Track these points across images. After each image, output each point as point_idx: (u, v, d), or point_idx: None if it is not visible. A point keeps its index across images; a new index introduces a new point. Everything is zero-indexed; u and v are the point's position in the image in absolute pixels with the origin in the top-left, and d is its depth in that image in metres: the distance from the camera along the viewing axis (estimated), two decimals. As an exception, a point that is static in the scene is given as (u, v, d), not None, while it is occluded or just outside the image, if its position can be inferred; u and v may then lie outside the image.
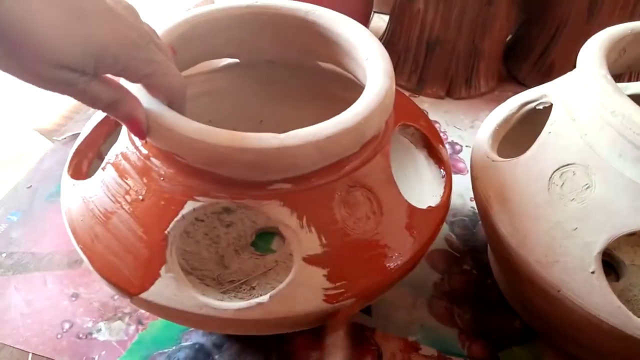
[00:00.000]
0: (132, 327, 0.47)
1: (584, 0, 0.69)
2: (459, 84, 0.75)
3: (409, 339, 0.47)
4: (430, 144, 0.45)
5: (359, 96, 0.49)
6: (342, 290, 0.34)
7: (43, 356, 0.44)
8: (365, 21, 0.81)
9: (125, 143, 0.37)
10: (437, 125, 0.70)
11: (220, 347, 0.46)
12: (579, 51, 0.40)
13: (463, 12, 0.68)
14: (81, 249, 0.36)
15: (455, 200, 0.58)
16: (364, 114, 0.34)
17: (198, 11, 0.41)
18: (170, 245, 0.34)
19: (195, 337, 0.46)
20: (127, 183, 0.35)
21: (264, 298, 0.34)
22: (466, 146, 0.68)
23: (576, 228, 0.36)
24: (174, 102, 0.33)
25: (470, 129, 0.70)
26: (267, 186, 0.33)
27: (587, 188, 0.37)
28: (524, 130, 0.46)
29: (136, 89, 0.33)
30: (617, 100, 0.35)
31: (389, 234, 0.37)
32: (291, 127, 0.32)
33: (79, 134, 0.63)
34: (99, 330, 0.46)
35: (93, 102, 0.29)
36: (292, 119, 0.53)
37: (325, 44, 0.44)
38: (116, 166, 0.36)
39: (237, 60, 0.49)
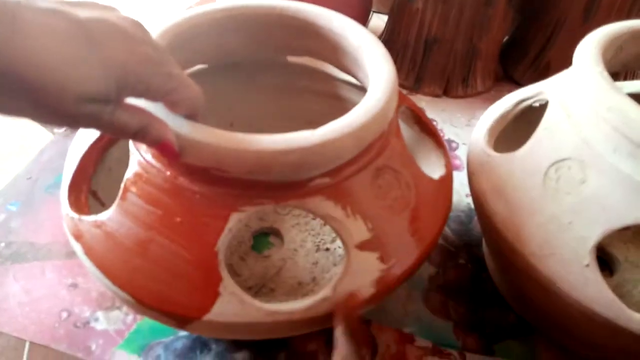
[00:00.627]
0: (130, 317, 0.47)
1: (581, 2, 0.69)
2: (456, 83, 0.76)
3: (404, 331, 0.47)
4: (421, 119, 0.47)
5: (328, 87, 0.52)
6: (396, 268, 0.36)
7: (40, 344, 0.45)
8: (363, 21, 0.82)
9: (140, 167, 0.35)
10: (434, 123, 0.71)
11: (217, 338, 0.46)
12: (574, 52, 0.41)
13: (461, 11, 0.69)
14: (119, 286, 0.34)
15: (451, 196, 0.58)
16: (385, 98, 0.34)
17: (178, 19, 0.40)
18: (221, 262, 0.33)
19: (193, 327, 0.46)
20: (157, 208, 0.33)
21: (327, 291, 0.34)
22: (462, 144, 0.68)
23: (571, 222, 0.37)
24: (195, 115, 0.32)
25: (467, 127, 0.71)
26: (307, 183, 0.33)
27: (583, 182, 0.37)
28: (520, 128, 0.46)
29: (152, 109, 0.31)
30: (613, 96, 0.35)
31: (421, 207, 0.38)
32: (263, 125, 0.32)
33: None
34: (97, 320, 0.47)
35: (121, 131, 0.28)
36: (263, 117, 0.54)
37: (306, 38, 0.44)
38: (139, 193, 0.34)
39: (205, 65, 0.48)
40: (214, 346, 0.45)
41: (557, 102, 0.42)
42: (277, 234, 0.54)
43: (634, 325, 0.34)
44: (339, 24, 0.41)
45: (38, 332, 0.45)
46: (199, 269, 0.32)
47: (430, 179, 0.40)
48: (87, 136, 0.41)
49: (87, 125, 0.27)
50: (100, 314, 0.47)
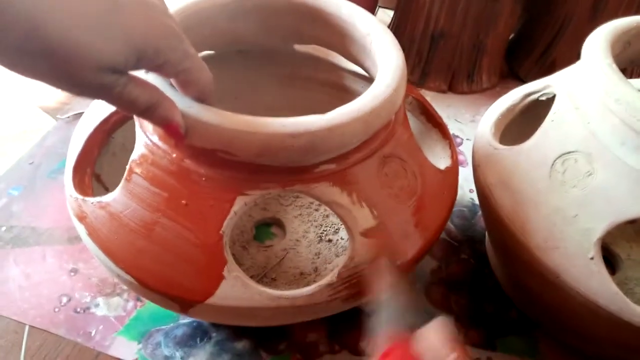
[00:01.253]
0: (131, 303, 0.47)
1: (588, 0, 0.69)
2: (462, 79, 0.76)
3: (405, 324, 0.47)
4: (428, 110, 0.46)
5: (334, 77, 0.51)
6: (400, 256, 0.36)
7: (40, 328, 0.45)
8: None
9: (146, 149, 0.35)
10: (438, 118, 0.71)
11: (218, 325, 0.46)
12: (581, 50, 0.41)
13: (468, 6, 0.69)
14: (123, 268, 0.33)
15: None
16: (394, 85, 0.34)
17: (187, 1, 0.40)
18: (226, 245, 0.33)
19: (193, 314, 0.46)
20: (163, 190, 0.33)
21: (331, 278, 0.34)
22: (466, 139, 0.68)
23: (576, 215, 0.37)
24: (206, 99, 0.32)
25: (471, 122, 0.71)
26: (313, 169, 0.33)
27: (589, 175, 0.37)
28: (526, 122, 0.46)
29: (163, 88, 0.31)
30: (621, 88, 0.35)
31: (426, 197, 0.38)
32: (269, 113, 0.32)
33: (82, 112, 0.64)
34: (97, 305, 0.46)
35: (130, 106, 0.28)
36: (268, 106, 0.53)
37: (314, 25, 0.44)
38: (145, 175, 0.34)
39: (212, 52, 0.47)
40: (214, 334, 0.45)
41: (564, 95, 0.41)
42: (280, 224, 0.54)
43: (637, 319, 0.34)
44: (347, 11, 0.41)
45: (37, 316, 0.45)
46: (204, 252, 0.32)
47: (436, 170, 0.40)
48: (93, 118, 0.41)
49: (98, 96, 0.27)
50: (100, 300, 0.47)
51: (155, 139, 0.34)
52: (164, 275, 0.33)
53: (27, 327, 0.45)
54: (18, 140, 0.62)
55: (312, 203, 0.54)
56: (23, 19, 0.22)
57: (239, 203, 0.32)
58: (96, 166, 0.41)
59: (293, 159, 0.32)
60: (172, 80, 0.31)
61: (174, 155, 0.33)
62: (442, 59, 0.74)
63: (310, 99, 0.53)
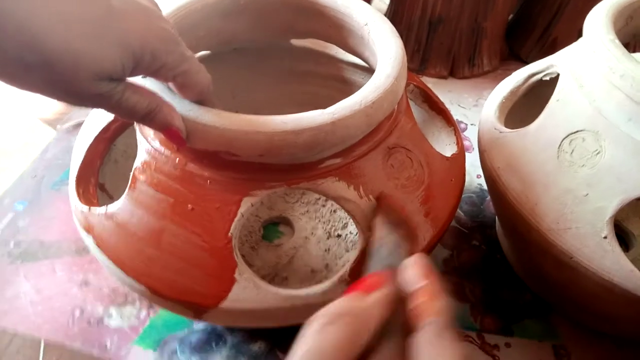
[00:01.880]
0: (144, 312, 0.47)
1: (586, -25, 0.68)
2: (462, 63, 0.75)
3: (420, 315, 0.47)
4: (430, 97, 0.46)
5: (333, 70, 0.51)
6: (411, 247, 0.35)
7: (55, 342, 0.44)
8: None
9: (148, 155, 0.34)
10: (440, 105, 0.70)
11: (232, 329, 0.46)
12: (581, 27, 0.40)
13: (464, -11, 0.68)
14: (133, 277, 0.33)
15: (462, 177, 0.58)
16: (395, 74, 0.34)
17: (179, 4, 0.39)
18: (235, 247, 0.32)
19: (207, 318, 0.46)
20: (169, 196, 0.33)
21: (344, 274, 0.33)
22: (471, 124, 0.67)
23: (587, 194, 0.36)
24: (205, 101, 0.31)
25: (474, 107, 0.70)
26: (318, 165, 0.33)
27: (597, 153, 0.36)
28: (530, 103, 0.46)
29: (161, 93, 0.31)
30: (625, 64, 0.35)
31: (434, 186, 0.38)
32: (269, 111, 0.31)
33: (82, 122, 0.63)
34: (110, 316, 0.46)
35: (130, 113, 0.27)
36: (268, 103, 0.53)
37: (310, 19, 0.43)
38: (149, 181, 0.34)
39: (208, 52, 0.47)
40: (229, 338, 0.45)
41: (568, 74, 0.41)
42: (287, 222, 0.53)
43: (655, 296, 0.34)
44: (343, 3, 0.40)
45: (52, 330, 0.45)
46: (214, 256, 0.32)
47: (443, 157, 0.40)
48: (93, 128, 0.40)
49: (97, 105, 0.26)
50: (113, 310, 0.47)
51: (157, 144, 0.34)
52: (176, 281, 0.32)
53: (42, 342, 0.44)
54: (19, 153, 0.62)
55: (318, 199, 0.54)
56: (20, 32, 0.22)
57: (246, 204, 0.32)
58: (99, 175, 0.41)
59: (297, 156, 0.31)
60: (171, 84, 0.30)
61: (177, 159, 0.33)
62: (441, 44, 0.73)
63: (311, 93, 0.53)
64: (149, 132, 0.35)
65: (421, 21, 0.72)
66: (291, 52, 0.50)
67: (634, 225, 0.52)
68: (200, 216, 0.32)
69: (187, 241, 0.32)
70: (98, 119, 0.41)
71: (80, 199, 0.37)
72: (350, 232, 0.50)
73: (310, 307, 0.33)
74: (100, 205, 0.37)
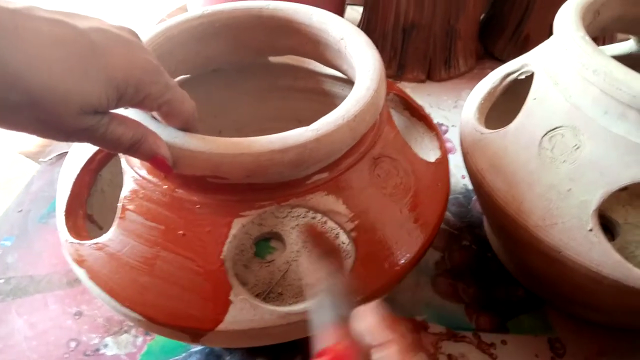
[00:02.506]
0: (140, 339, 0.46)
1: (552, -28, 0.70)
2: (439, 66, 0.76)
3: (416, 319, 0.47)
4: (411, 105, 0.47)
5: (312, 83, 0.51)
6: (402, 256, 0.36)
7: (53, 377, 0.44)
8: (338, 14, 0.81)
9: (135, 184, 0.34)
10: (421, 109, 0.71)
11: (231, 349, 0.46)
12: (551, 22, 0.41)
13: (435, -6, 0.69)
14: (128, 306, 0.33)
15: (447, 179, 0.58)
16: (374, 86, 0.34)
17: (155, 31, 0.40)
18: (229, 269, 0.33)
19: (205, 340, 0.46)
20: (159, 223, 0.33)
21: None
22: (452, 126, 0.68)
23: (570, 189, 0.37)
24: (190, 128, 0.31)
25: (454, 109, 0.71)
26: (306, 181, 0.33)
27: (577, 148, 0.37)
28: (508, 103, 0.46)
29: (145, 122, 0.31)
30: (597, 59, 0.35)
31: (421, 192, 0.38)
32: (252, 129, 0.32)
33: (64, 153, 0.63)
34: (106, 346, 0.46)
35: (115, 144, 0.27)
36: (250, 121, 0.53)
37: (286, 36, 0.44)
38: (138, 210, 0.34)
39: (188, 75, 0.47)
40: (228, 358, 0.45)
41: (542, 72, 0.41)
42: (279, 237, 0.53)
43: (643, 283, 0.34)
44: (318, 19, 0.41)
45: (48, 364, 0.45)
46: (208, 280, 0.32)
47: (427, 163, 0.40)
48: (77, 160, 0.40)
49: (82, 139, 0.26)
50: (109, 340, 0.46)
51: (144, 172, 0.34)
52: (171, 308, 0.32)
53: (39, 378, 0.44)
54: (3, 189, 0.61)
55: (308, 212, 0.54)
56: (5, 71, 0.22)
57: (237, 225, 0.32)
58: (87, 206, 0.40)
59: (284, 174, 0.32)
60: (155, 113, 0.31)
61: (165, 186, 0.33)
62: (416, 49, 0.74)
63: (292, 107, 0.53)
64: (135, 161, 0.35)
65: (395, 28, 0.73)
66: (270, 69, 0.50)
67: (618, 214, 0.53)
68: (192, 241, 0.32)
69: (181, 267, 0.32)
70: (82, 150, 0.41)
71: (70, 233, 0.37)
72: (343, 242, 0.50)
73: (308, 322, 0.33)
74: (90, 236, 0.37)
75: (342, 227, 0.34)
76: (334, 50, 0.41)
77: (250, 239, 0.52)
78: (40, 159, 0.64)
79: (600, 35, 0.54)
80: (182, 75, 0.46)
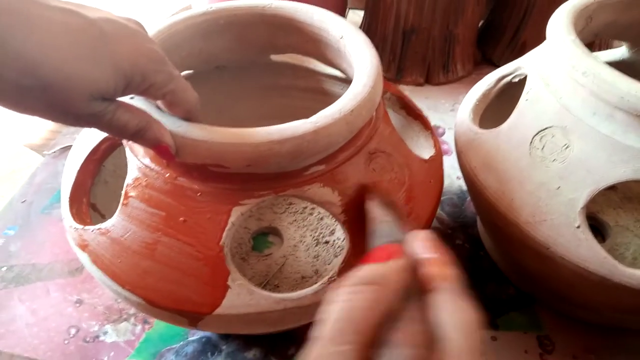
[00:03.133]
0: (139, 327, 0.47)
1: (550, -19, 0.71)
2: (437, 70, 0.77)
3: (409, 314, 0.48)
4: (407, 104, 0.48)
5: (312, 82, 0.53)
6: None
7: (52, 362, 0.45)
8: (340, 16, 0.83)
9: (139, 172, 0.36)
10: (419, 111, 0.72)
11: (227, 338, 0.47)
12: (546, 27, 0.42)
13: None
14: (129, 290, 0.34)
15: (442, 179, 0.59)
16: (371, 83, 0.35)
17: (161, 26, 0.41)
18: (227, 255, 0.34)
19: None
20: (161, 210, 0.34)
21: (332, 273, 0.35)
22: (448, 128, 0.69)
23: (559, 187, 0.38)
24: (192, 117, 0.33)
25: (451, 112, 0.72)
26: (303, 172, 0.34)
27: (566, 148, 0.38)
28: (502, 104, 0.48)
29: (150, 111, 0.32)
30: (586, 62, 0.37)
31: (415, 187, 0.39)
32: (252, 125, 0.33)
33: (68, 146, 0.64)
34: (106, 333, 0.47)
35: (121, 131, 0.29)
36: (251, 118, 0.54)
37: (288, 35, 0.45)
38: (141, 197, 0.35)
39: (191, 71, 0.48)
40: (224, 347, 0.46)
41: (535, 74, 0.43)
42: (276, 232, 0.54)
43: (627, 279, 0.36)
44: (319, 18, 0.42)
45: (48, 350, 0.46)
46: (207, 265, 0.33)
47: (421, 160, 0.42)
48: (82, 150, 0.41)
49: (90, 124, 0.28)
50: (108, 327, 0.47)
51: (147, 161, 0.35)
52: (171, 291, 0.33)
53: (39, 362, 0.45)
54: (7, 180, 0.62)
55: (305, 208, 0.55)
56: (17, 59, 0.23)
57: (236, 214, 0.33)
58: (90, 195, 0.42)
59: (283, 164, 0.33)
60: (159, 102, 0.32)
61: (167, 174, 0.34)
62: (415, 53, 0.76)
63: (292, 106, 0.54)
64: (139, 149, 0.36)
65: (395, 32, 0.75)
66: (271, 67, 0.51)
67: (609, 216, 0.54)
68: (192, 227, 0.34)
69: (181, 252, 0.33)
70: (87, 141, 0.42)
71: (74, 219, 0.38)
72: (338, 238, 0.51)
73: (303, 309, 0.35)
74: (93, 223, 0.38)
75: (337, 218, 0.35)
76: (334, 49, 0.42)
77: (249, 233, 0.54)
78: (44, 152, 0.65)
79: (595, 41, 0.56)
80: (185, 70, 0.47)
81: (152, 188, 0.35)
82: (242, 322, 0.35)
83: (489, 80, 0.49)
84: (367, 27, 0.79)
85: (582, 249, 0.37)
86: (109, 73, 0.26)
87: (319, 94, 0.52)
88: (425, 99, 0.75)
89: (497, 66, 0.80)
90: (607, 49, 0.70)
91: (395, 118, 0.48)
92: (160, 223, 0.34)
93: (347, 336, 0.20)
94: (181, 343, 0.46)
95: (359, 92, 0.35)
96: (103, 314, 0.48)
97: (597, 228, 0.54)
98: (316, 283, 0.36)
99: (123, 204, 0.35)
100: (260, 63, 0.51)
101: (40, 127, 0.68)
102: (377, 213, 0.31)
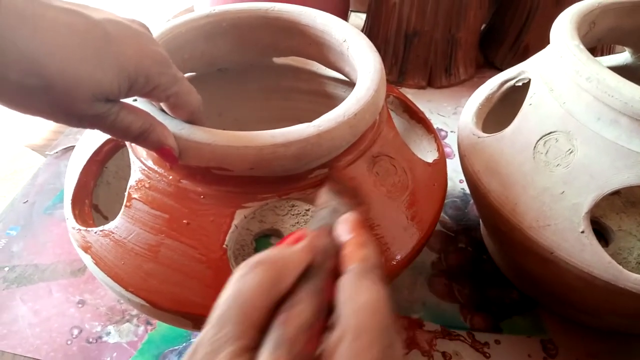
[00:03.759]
0: (141, 328, 0.47)
1: (552, -16, 0.71)
2: (439, 73, 0.77)
3: (412, 317, 0.48)
4: (410, 107, 0.48)
5: (315, 85, 0.53)
6: (398, 252, 0.37)
7: (54, 363, 0.45)
8: (343, 19, 0.83)
9: (142, 174, 0.36)
10: (421, 114, 0.72)
11: (229, 340, 0.46)
12: (550, 31, 0.42)
13: (437, 3, 0.71)
14: (132, 292, 0.34)
15: (445, 182, 0.60)
16: (374, 87, 0.35)
17: (163, 28, 0.41)
18: (230, 258, 0.34)
19: (204, 332, 0.47)
20: (164, 212, 0.34)
21: None
22: (451, 132, 0.70)
23: (563, 192, 0.38)
24: (195, 120, 0.33)
25: (454, 115, 0.73)
26: (307, 176, 0.34)
27: (570, 153, 0.38)
28: (505, 108, 0.48)
29: (152, 113, 0.32)
30: (590, 67, 0.37)
31: (418, 190, 0.39)
32: (254, 129, 0.33)
33: (70, 147, 0.64)
34: (109, 334, 0.47)
35: (124, 133, 0.29)
36: (253, 120, 0.54)
37: (290, 38, 0.45)
38: (144, 199, 0.35)
39: (194, 73, 0.48)
40: (226, 349, 0.46)
41: (539, 79, 0.43)
42: (279, 234, 0.54)
43: (631, 284, 0.36)
44: (322, 21, 0.42)
45: (51, 351, 0.46)
46: (211, 267, 0.33)
47: (425, 163, 0.42)
48: (85, 152, 0.41)
49: (93, 125, 0.27)
50: (111, 328, 0.47)
51: (150, 163, 0.35)
52: (174, 294, 0.33)
53: (41, 363, 0.45)
54: (9, 181, 0.62)
55: (307, 210, 0.55)
56: (22, 59, 0.23)
57: (239, 216, 0.33)
58: (93, 197, 0.42)
59: (286, 168, 0.33)
60: (163, 104, 0.32)
61: (170, 177, 0.34)
62: (417, 56, 0.76)
63: (295, 108, 0.54)
64: (142, 151, 0.36)
65: (397, 35, 0.75)
66: (274, 69, 0.51)
67: (612, 221, 0.54)
68: (195, 230, 0.34)
69: (184, 254, 0.33)
70: (89, 142, 0.42)
71: (76, 220, 0.38)
72: (340, 241, 0.51)
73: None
74: (96, 224, 0.38)
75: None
76: (337, 52, 0.42)
77: (251, 235, 0.54)
78: (47, 152, 0.65)
79: (598, 46, 0.56)
80: (187, 72, 0.47)
81: (155, 190, 0.35)
82: None
83: (492, 84, 0.49)
84: (369, 30, 0.79)
85: (586, 254, 0.37)
86: (112, 74, 0.26)
87: (321, 96, 0.52)
88: (427, 102, 0.75)
89: (499, 69, 0.81)
90: (609, 53, 0.70)
91: (398, 121, 0.48)
92: (164, 225, 0.34)
93: (231, 320, 0.19)
94: (184, 344, 0.46)
95: (362, 95, 0.35)
96: (105, 315, 0.48)
97: (600, 232, 0.54)
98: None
99: (126, 206, 0.35)
100: (262, 65, 0.51)
101: (42, 127, 0.68)
102: (323, 199, 0.30)
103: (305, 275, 0.22)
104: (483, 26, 0.83)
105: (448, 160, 0.46)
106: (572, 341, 0.47)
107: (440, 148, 0.45)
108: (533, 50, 0.76)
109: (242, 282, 0.20)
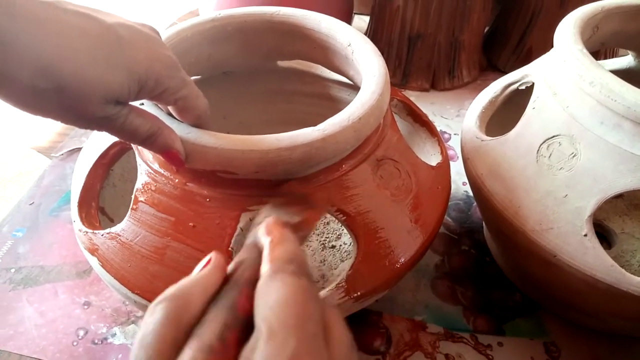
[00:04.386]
0: (146, 330, 0.48)
1: (556, -13, 0.71)
2: (443, 76, 0.78)
3: (415, 319, 0.48)
4: (414, 110, 0.48)
5: (319, 88, 0.53)
6: (402, 255, 0.37)
7: (60, 364, 0.45)
8: (346, 22, 0.83)
9: (148, 177, 0.36)
10: (424, 117, 0.72)
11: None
12: (553, 36, 0.42)
13: (441, 5, 0.71)
14: (139, 294, 0.34)
15: (448, 185, 0.60)
16: (379, 91, 0.36)
17: (170, 32, 0.41)
18: None
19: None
20: (170, 215, 0.34)
21: (341, 280, 0.35)
22: (454, 134, 0.70)
23: (566, 195, 0.38)
24: (202, 124, 0.33)
25: (457, 117, 0.73)
26: (312, 179, 0.35)
27: (574, 156, 0.39)
28: (508, 111, 0.48)
29: (159, 116, 0.32)
30: (594, 71, 0.37)
31: (422, 194, 0.39)
32: (259, 132, 0.33)
33: (76, 149, 0.65)
34: (114, 335, 0.47)
35: (131, 136, 0.29)
36: (258, 123, 0.55)
37: (295, 41, 0.46)
38: (150, 202, 0.35)
39: (199, 76, 0.49)
40: (230, 350, 0.46)
41: (542, 83, 0.43)
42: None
43: (634, 287, 0.36)
44: (326, 25, 0.43)
45: (57, 352, 0.46)
46: None
47: (429, 166, 0.42)
48: (91, 154, 0.42)
49: (101, 128, 0.28)
50: (117, 329, 0.48)
51: (156, 166, 0.36)
52: None
53: (47, 364, 0.45)
54: (15, 182, 0.63)
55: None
56: (35, 59, 0.23)
57: (244, 219, 0.34)
58: (99, 199, 0.42)
59: (291, 171, 0.33)
60: (170, 108, 0.32)
61: (176, 180, 0.35)
62: (421, 59, 0.76)
63: (299, 111, 0.55)
64: (148, 155, 0.37)
65: (401, 38, 0.75)
66: (278, 73, 0.52)
67: (615, 224, 0.54)
68: (201, 232, 0.34)
69: (190, 257, 0.34)
70: (96, 145, 0.43)
71: (83, 222, 0.38)
72: (344, 243, 0.52)
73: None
74: (102, 227, 0.38)
75: (343, 224, 0.36)
76: (341, 56, 0.43)
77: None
78: (52, 154, 0.66)
79: (601, 49, 0.56)
80: (193, 76, 0.47)
81: (162, 193, 0.35)
82: None
83: (495, 88, 0.49)
84: (373, 33, 0.80)
85: (589, 257, 0.37)
86: (122, 77, 0.26)
87: (325, 99, 0.53)
88: (430, 105, 0.75)
89: (502, 72, 0.81)
90: (613, 57, 0.70)
91: (402, 124, 0.48)
92: (170, 228, 0.34)
93: None
94: (188, 346, 0.46)
95: (367, 99, 0.35)
96: (111, 316, 0.49)
97: (603, 235, 0.54)
98: (323, 288, 0.36)
99: (132, 209, 0.36)
100: (267, 69, 0.51)
101: (47, 129, 0.68)
102: (261, 217, 0.30)
103: (221, 293, 0.22)
104: (486, 29, 0.83)
105: (451, 163, 0.46)
106: (575, 344, 0.47)
107: (443, 151, 0.45)
108: (536, 53, 0.76)
109: (146, 323, 0.20)
